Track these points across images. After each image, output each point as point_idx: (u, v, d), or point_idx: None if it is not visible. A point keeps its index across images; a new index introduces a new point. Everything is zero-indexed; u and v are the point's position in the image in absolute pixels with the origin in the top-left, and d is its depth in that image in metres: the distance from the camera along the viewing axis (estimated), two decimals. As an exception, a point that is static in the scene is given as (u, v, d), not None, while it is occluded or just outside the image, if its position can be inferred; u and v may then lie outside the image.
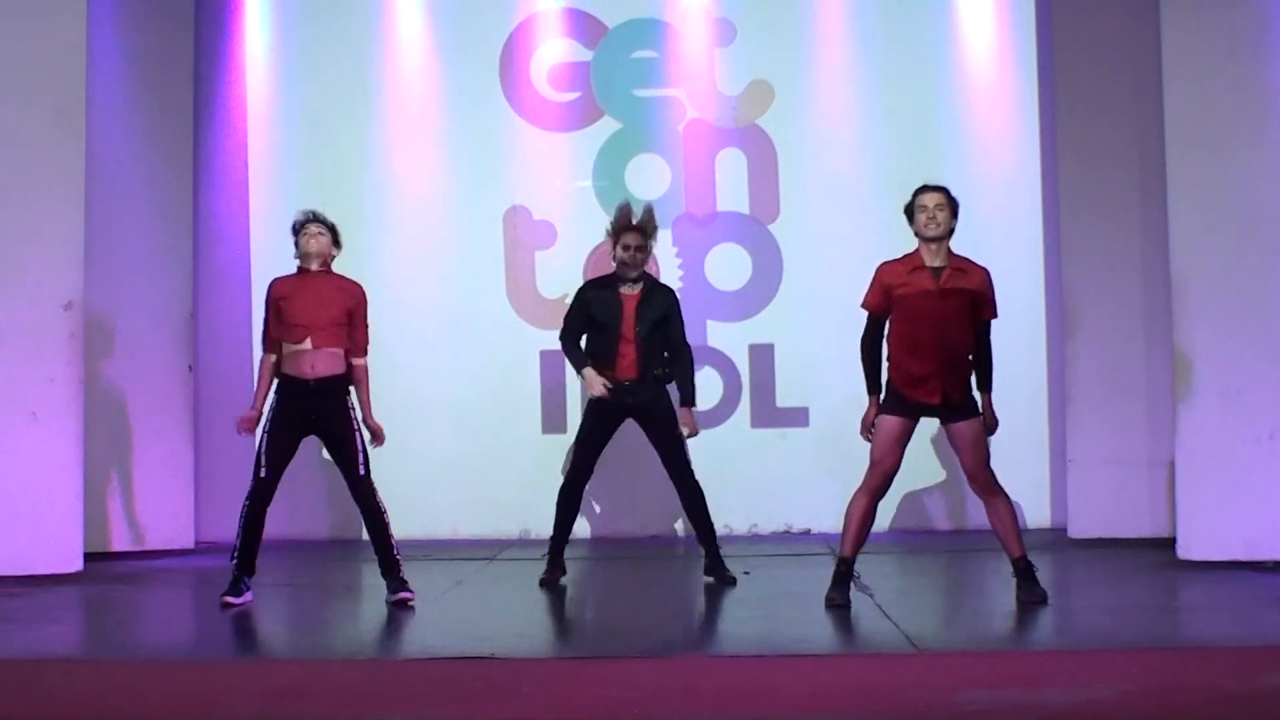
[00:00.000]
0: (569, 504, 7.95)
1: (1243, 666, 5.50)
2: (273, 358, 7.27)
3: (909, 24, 10.05)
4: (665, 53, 10.16)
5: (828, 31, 10.11)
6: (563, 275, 9.98)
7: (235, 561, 7.21)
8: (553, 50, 10.20)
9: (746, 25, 10.12)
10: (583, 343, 7.94)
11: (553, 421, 9.99)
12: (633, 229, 7.88)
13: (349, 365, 7.28)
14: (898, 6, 10.09)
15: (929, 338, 6.73)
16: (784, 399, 9.99)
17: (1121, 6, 9.15)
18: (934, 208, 6.77)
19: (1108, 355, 9.11)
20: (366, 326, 7.38)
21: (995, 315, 6.95)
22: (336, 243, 7.35)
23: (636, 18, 10.18)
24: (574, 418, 9.83)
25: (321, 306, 7.19)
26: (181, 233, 9.61)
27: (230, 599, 7.15)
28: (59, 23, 8.29)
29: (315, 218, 7.34)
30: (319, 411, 7.19)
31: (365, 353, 7.40)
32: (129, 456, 9.23)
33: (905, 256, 6.86)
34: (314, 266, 7.26)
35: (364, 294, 7.36)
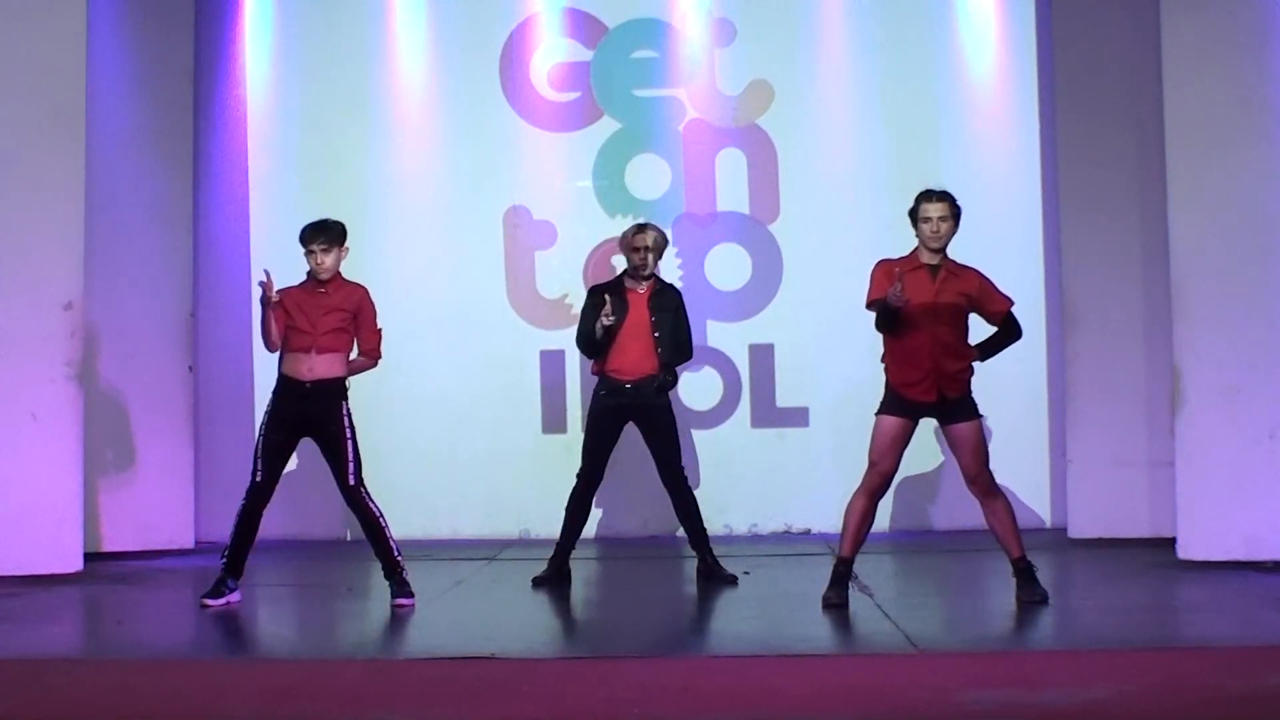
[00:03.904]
0: (578, 510, 7.96)
1: (1243, 666, 5.50)
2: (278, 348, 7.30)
3: (909, 24, 10.05)
4: (665, 53, 10.16)
5: (828, 31, 10.11)
6: (563, 275, 9.99)
7: (224, 562, 7.24)
8: (553, 50, 10.20)
9: (746, 25, 10.12)
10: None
11: (553, 421, 9.99)
12: (642, 230, 7.94)
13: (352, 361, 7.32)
14: (898, 6, 10.09)
15: (923, 340, 6.75)
16: (784, 399, 9.99)
17: (1121, 7, 9.14)
18: (938, 219, 6.77)
19: (1108, 355, 9.10)
20: (375, 330, 7.35)
21: (1011, 303, 6.94)
22: (345, 242, 7.29)
23: (636, 18, 10.18)
24: (574, 418, 9.85)
25: (324, 316, 7.20)
26: (181, 233, 9.60)
27: (209, 600, 7.16)
28: (59, 23, 8.28)
29: (314, 238, 7.22)
30: (314, 414, 7.19)
31: (374, 355, 7.39)
32: (129, 456, 9.23)
33: (903, 258, 6.87)
34: (322, 277, 7.26)
35: (364, 295, 7.33)
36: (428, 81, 10.22)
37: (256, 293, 7.15)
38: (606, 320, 7.75)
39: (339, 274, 7.31)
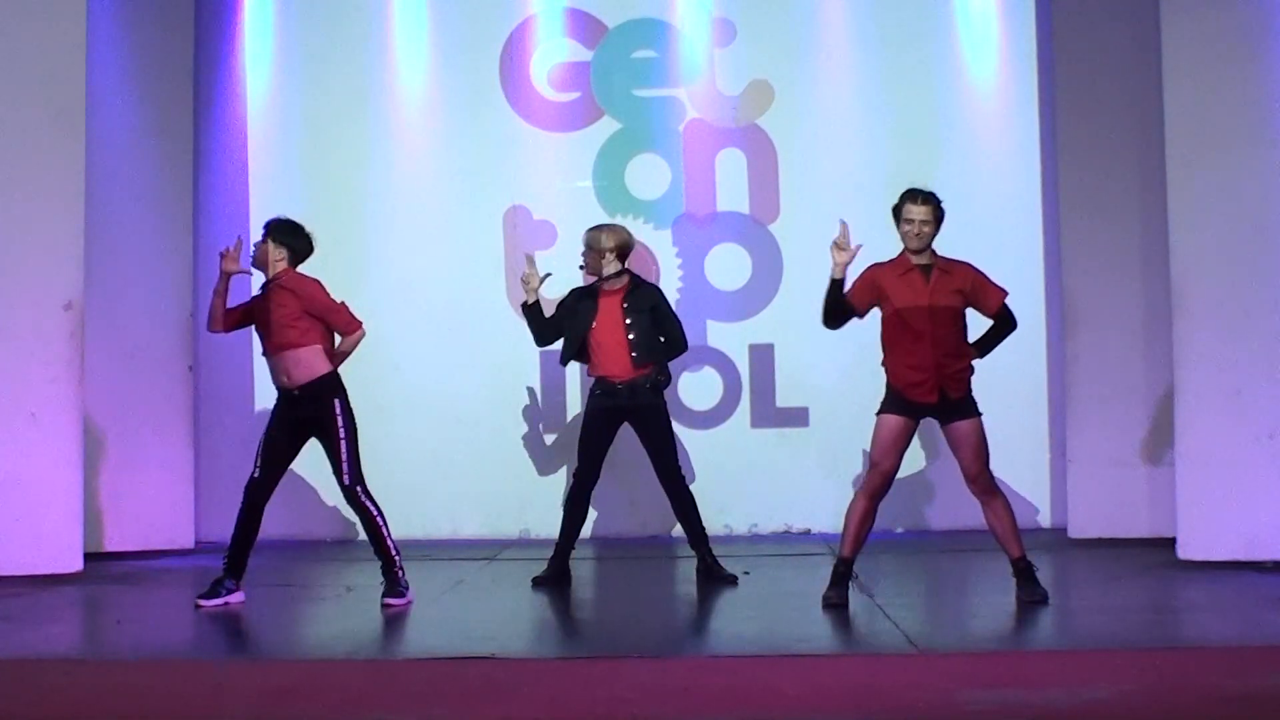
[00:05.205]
0: (576, 510, 7.97)
1: (1243, 666, 5.51)
2: (219, 328, 7.41)
3: (909, 24, 10.05)
4: (665, 53, 10.15)
5: (828, 31, 10.10)
6: (563, 275, 9.96)
7: (224, 561, 7.26)
8: (553, 50, 10.20)
9: (746, 25, 10.12)
10: (558, 345, 8.15)
11: (553, 421, 9.99)
12: (595, 230, 8.03)
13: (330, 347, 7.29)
14: (898, 6, 10.09)
15: (922, 345, 6.76)
16: (784, 399, 9.99)
17: (1121, 7, 9.14)
18: (920, 222, 6.79)
19: (1108, 355, 9.10)
20: (336, 307, 7.25)
21: (1005, 293, 6.95)
22: (285, 247, 7.24)
23: (636, 18, 10.17)
24: (574, 418, 9.84)
25: (271, 313, 7.20)
26: (181, 233, 9.60)
27: (202, 601, 7.17)
28: (59, 23, 8.28)
29: (266, 226, 7.29)
30: (307, 416, 7.19)
31: (352, 329, 7.27)
32: (129, 456, 9.21)
33: (893, 261, 6.88)
34: (267, 277, 7.27)
35: (313, 286, 7.21)
36: (428, 81, 10.21)
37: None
38: (525, 288, 7.98)
39: (287, 272, 7.24)
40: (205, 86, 10.04)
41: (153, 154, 9.46)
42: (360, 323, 7.33)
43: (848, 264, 6.82)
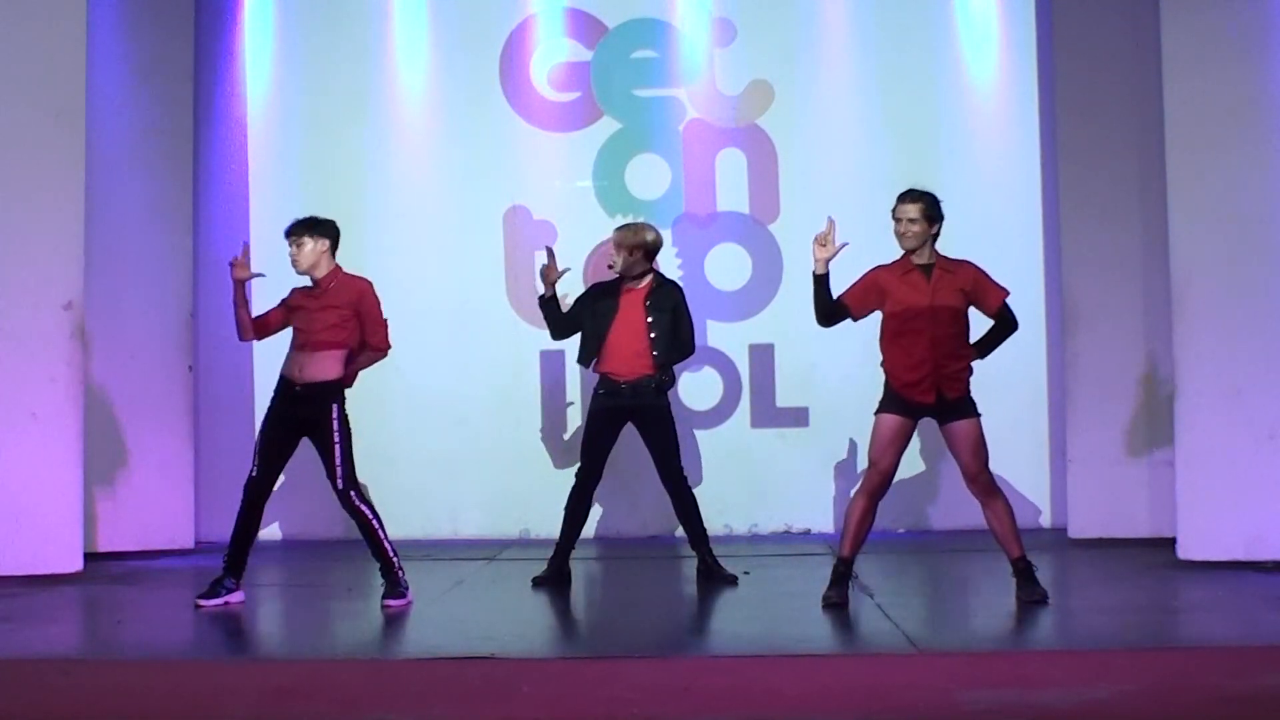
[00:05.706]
0: (577, 509, 7.96)
1: (1243, 666, 5.51)
2: (251, 336, 7.44)
3: (909, 24, 10.05)
4: (665, 53, 10.16)
5: (828, 31, 10.11)
6: (563, 275, 9.97)
7: (224, 561, 7.25)
8: (553, 50, 10.20)
9: (746, 25, 10.12)
10: (563, 344, 8.28)
11: (553, 421, 9.99)
12: (618, 229, 8.02)
13: (354, 354, 7.27)
14: (898, 7, 10.09)
15: (921, 345, 6.76)
16: (784, 399, 9.99)
17: (1121, 7, 9.15)
18: (908, 221, 6.81)
19: (1108, 355, 9.11)
20: (380, 322, 7.28)
21: (1006, 293, 6.94)
22: (325, 236, 7.23)
23: (636, 18, 10.17)
24: (574, 418, 9.85)
25: (320, 313, 7.18)
26: (182, 233, 9.60)
27: (202, 601, 7.15)
28: (59, 23, 8.28)
29: (291, 230, 7.26)
30: (304, 416, 7.16)
31: (382, 348, 7.31)
32: (129, 457, 9.22)
33: (895, 262, 6.90)
34: (315, 276, 7.25)
35: (365, 288, 7.26)
36: (428, 81, 10.22)
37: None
38: (541, 283, 7.95)
39: (338, 270, 7.28)
40: (205, 86, 10.04)
41: (153, 154, 9.46)
42: (390, 346, 7.37)
43: (829, 260, 6.85)
